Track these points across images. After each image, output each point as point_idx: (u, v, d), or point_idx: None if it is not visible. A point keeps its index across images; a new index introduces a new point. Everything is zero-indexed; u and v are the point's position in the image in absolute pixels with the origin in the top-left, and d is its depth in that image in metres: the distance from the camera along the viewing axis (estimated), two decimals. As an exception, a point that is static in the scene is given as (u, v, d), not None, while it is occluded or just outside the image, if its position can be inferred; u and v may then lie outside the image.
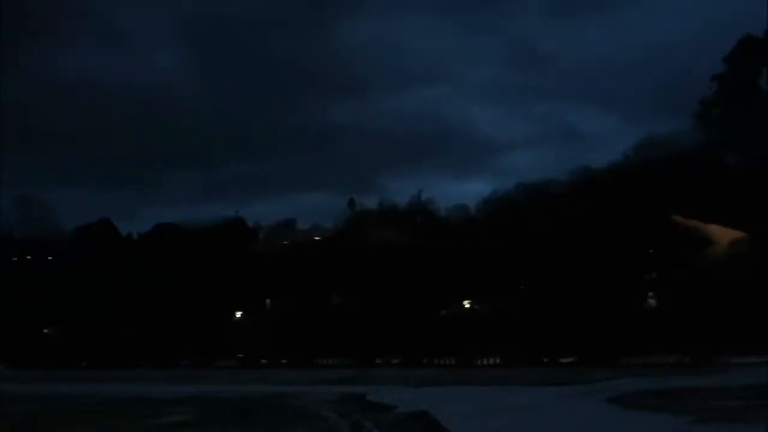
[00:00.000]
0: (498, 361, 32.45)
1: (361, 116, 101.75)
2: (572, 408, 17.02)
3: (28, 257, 49.37)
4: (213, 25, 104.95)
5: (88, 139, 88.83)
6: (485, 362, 32.90)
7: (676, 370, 26.34)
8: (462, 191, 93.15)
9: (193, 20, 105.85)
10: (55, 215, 50.81)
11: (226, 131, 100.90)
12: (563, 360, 31.14)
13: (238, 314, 42.37)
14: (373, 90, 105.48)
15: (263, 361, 39.03)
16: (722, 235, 31.65)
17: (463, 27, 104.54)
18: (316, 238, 48.85)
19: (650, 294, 35.94)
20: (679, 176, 32.54)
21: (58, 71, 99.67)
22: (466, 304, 36.54)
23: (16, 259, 49.35)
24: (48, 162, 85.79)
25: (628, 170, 36.62)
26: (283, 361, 38.49)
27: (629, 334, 30.14)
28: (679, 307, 30.98)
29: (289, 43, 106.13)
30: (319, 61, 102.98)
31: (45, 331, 45.40)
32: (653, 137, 37.49)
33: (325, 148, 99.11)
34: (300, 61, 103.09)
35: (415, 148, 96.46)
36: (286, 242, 49.98)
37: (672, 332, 29.14)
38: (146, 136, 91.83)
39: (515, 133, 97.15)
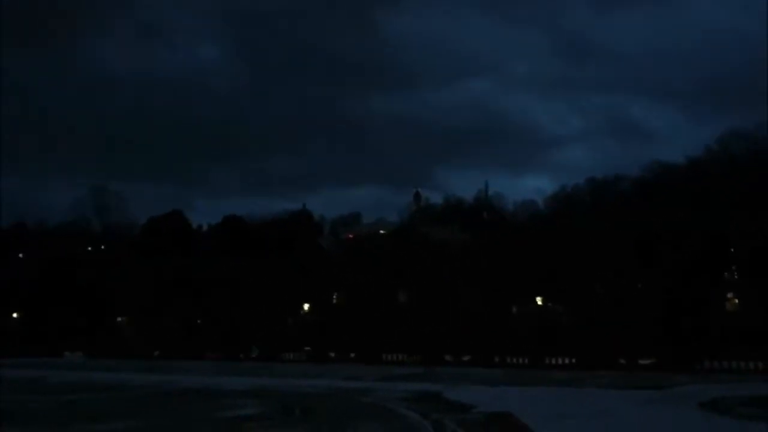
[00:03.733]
0: (574, 360, 31.66)
1: (410, 109, 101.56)
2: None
3: (102, 247, 50.68)
4: (259, 18, 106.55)
5: (140, 133, 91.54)
6: (557, 362, 32.14)
7: None
8: (520, 186, 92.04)
9: (240, 14, 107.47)
10: (127, 206, 52.01)
11: (274, 125, 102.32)
12: (642, 362, 30.21)
13: (306, 307, 42.48)
14: (418, 83, 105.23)
15: (331, 354, 39.01)
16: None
17: (507, 20, 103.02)
18: (381, 231, 48.65)
19: (729, 295, 34.50)
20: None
21: (105, 67, 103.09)
22: (539, 301, 35.71)
23: (89, 249, 50.74)
24: (107, 155, 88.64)
25: (710, 166, 35.22)
26: (351, 355, 38.38)
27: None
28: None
29: (337, 36, 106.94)
30: (365, 54, 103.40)
31: (119, 320, 46.46)
32: (736, 130, 35.89)
33: (374, 142, 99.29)
34: (348, 55, 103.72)
35: (467, 142, 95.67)
36: (351, 235, 50.03)
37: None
38: (192, 130, 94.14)
39: (570, 126, 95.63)
